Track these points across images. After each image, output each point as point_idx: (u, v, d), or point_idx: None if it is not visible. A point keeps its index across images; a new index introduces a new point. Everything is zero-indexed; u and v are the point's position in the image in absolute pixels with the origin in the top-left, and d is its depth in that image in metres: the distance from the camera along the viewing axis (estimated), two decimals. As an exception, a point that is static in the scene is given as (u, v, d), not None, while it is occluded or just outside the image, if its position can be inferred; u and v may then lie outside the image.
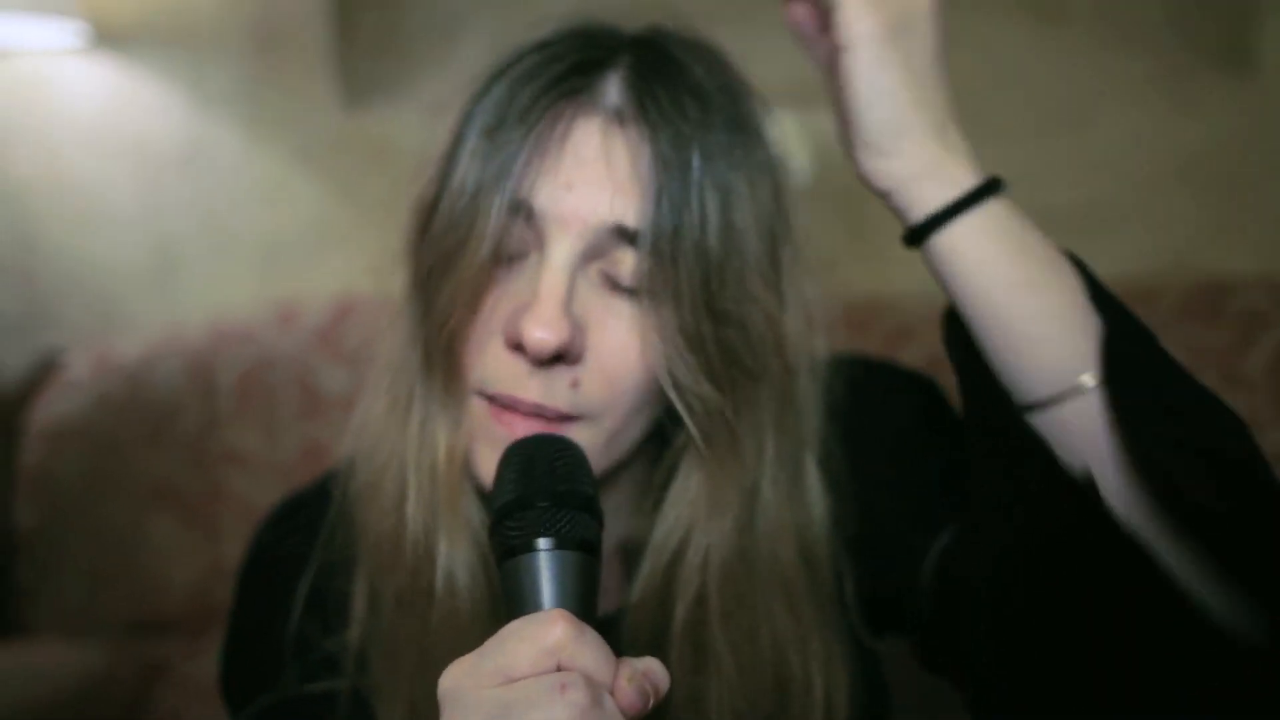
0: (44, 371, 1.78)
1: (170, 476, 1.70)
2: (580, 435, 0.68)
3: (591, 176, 0.66)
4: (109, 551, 1.70)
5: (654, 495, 0.75)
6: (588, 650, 0.51)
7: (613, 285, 0.68)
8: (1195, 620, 0.56)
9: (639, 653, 0.56)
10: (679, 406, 0.68)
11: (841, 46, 0.62)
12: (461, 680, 0.52)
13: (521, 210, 0.66)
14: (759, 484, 0.73)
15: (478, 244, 0.66)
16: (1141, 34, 1.86)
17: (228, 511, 1.70)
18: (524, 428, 0.67)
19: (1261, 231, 1.85)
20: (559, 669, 0.51)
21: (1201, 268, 1.81)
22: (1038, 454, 0.61)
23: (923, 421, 0.80)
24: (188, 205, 1.98)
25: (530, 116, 0.66)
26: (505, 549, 0.57)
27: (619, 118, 0.67)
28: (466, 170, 0.67)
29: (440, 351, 0.69)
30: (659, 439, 0.75)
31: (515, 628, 0.52)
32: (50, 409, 1.73)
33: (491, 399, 0.69)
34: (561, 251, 0.66)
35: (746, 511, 0.72)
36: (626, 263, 0.67)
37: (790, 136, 1.51)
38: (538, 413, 0.68)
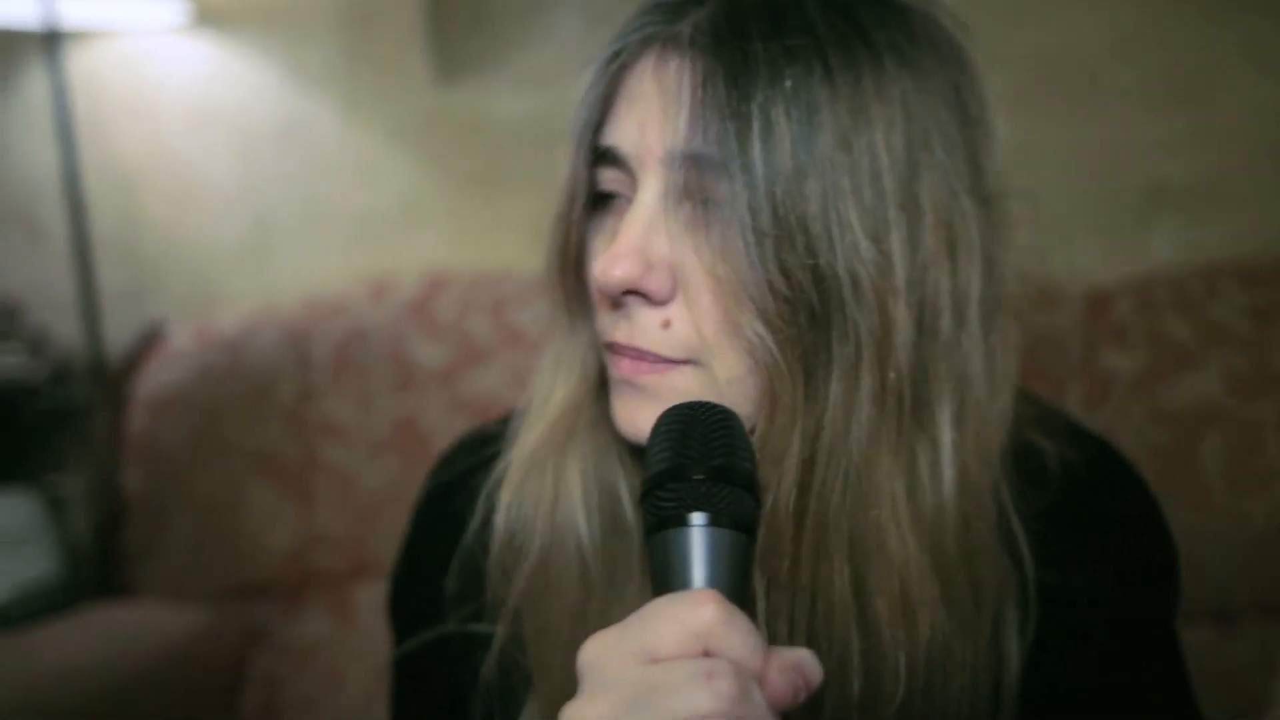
0: (149, 343, 1.83)
1: (268, 445, 1.73)
2: (688, 382, 0.65)
3: (661, 110, 0.64)
4: (210, 517, 1.74)
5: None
6: (737, 636, 0.49)
7: (707, 220, 0.64)
8: None
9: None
10: (743, 338, 0.63)
11: None
12: (604, 654, 0.50)
13: (606, 156, 0.66)
14: (820, 431, 0.63)
15: (576, 194, 0.67)
16: (1264, 2, 1.76)
17: (323, 480, 1.72)
18: (630, 368, 0.66)
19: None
20: (705, 654, 0.48)
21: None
22: None
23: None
24: (284, 181, 2.02)
25: (613, 65, 0.66)
26: (656, 520, 0.54)
27: (695, 49, 0.63)
28: (572, 128, 0.68)
29: (566, 302, 0.71)
30: None
31: (661, 605, 0.50)
32: (155, 379, 1.77)
33: (607, 346, 0.69)
34: (646, 190, 0.64)
35: (808, 453, 0.64)
36: (717, 193, 0.63)
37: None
38: (637, 355, 0.66)
